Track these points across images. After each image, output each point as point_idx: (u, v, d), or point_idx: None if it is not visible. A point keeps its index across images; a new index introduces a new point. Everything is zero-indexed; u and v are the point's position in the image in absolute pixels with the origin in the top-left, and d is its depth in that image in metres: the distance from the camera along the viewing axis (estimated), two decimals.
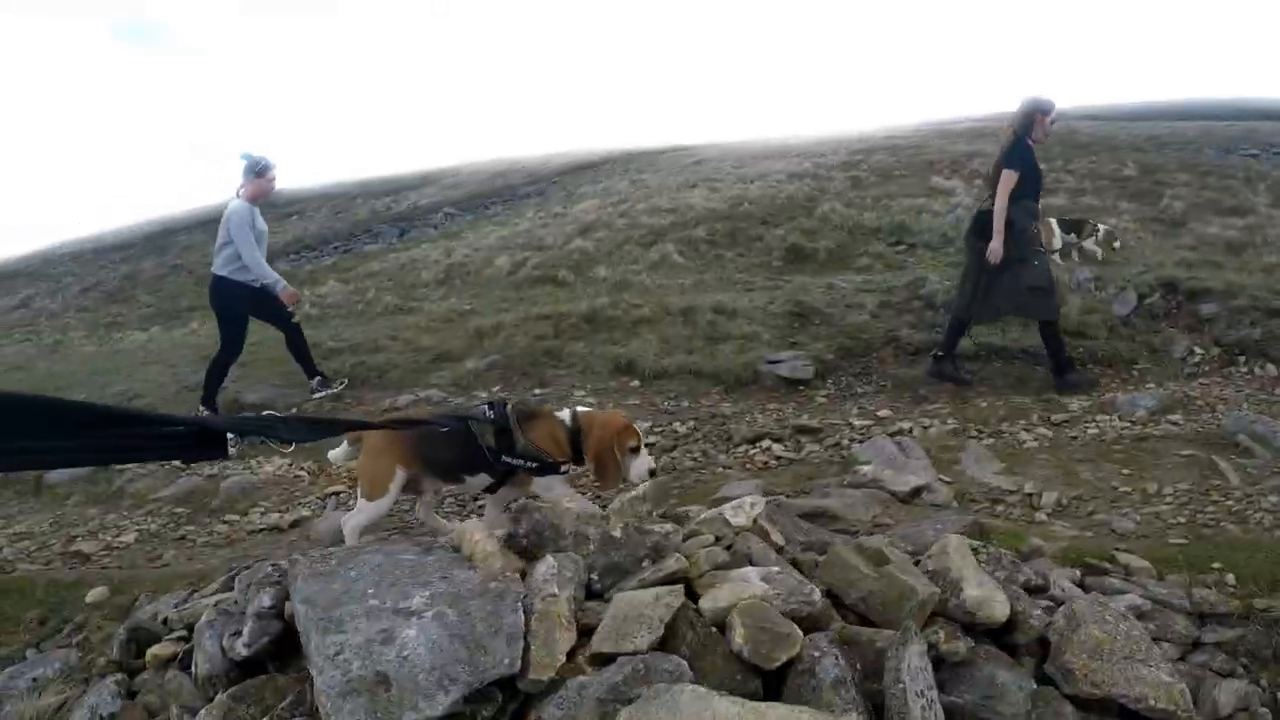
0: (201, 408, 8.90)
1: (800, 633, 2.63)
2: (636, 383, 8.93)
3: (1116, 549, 4.05)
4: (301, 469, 7.39)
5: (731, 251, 14.13)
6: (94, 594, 4.65)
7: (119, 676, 3.42)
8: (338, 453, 4.83)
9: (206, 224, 35.06)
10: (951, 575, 3.00)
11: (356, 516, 4.56)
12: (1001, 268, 7.89)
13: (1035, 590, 3.35)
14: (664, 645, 2.61)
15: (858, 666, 2.62)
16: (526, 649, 2.61)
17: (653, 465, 4.45)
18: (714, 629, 2.69)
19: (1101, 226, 12.51)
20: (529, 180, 31.62)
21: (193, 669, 3.20)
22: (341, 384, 9.41)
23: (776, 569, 2.99)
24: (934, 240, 13.79)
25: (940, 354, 8.49)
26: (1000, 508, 5.02)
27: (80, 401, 1.62)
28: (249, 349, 12.32)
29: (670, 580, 2.90)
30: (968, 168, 19.68)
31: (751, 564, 3.09)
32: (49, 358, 14.67)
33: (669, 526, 3.24)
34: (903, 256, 13.38)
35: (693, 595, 2.87)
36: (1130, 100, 39.53)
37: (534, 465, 4.33)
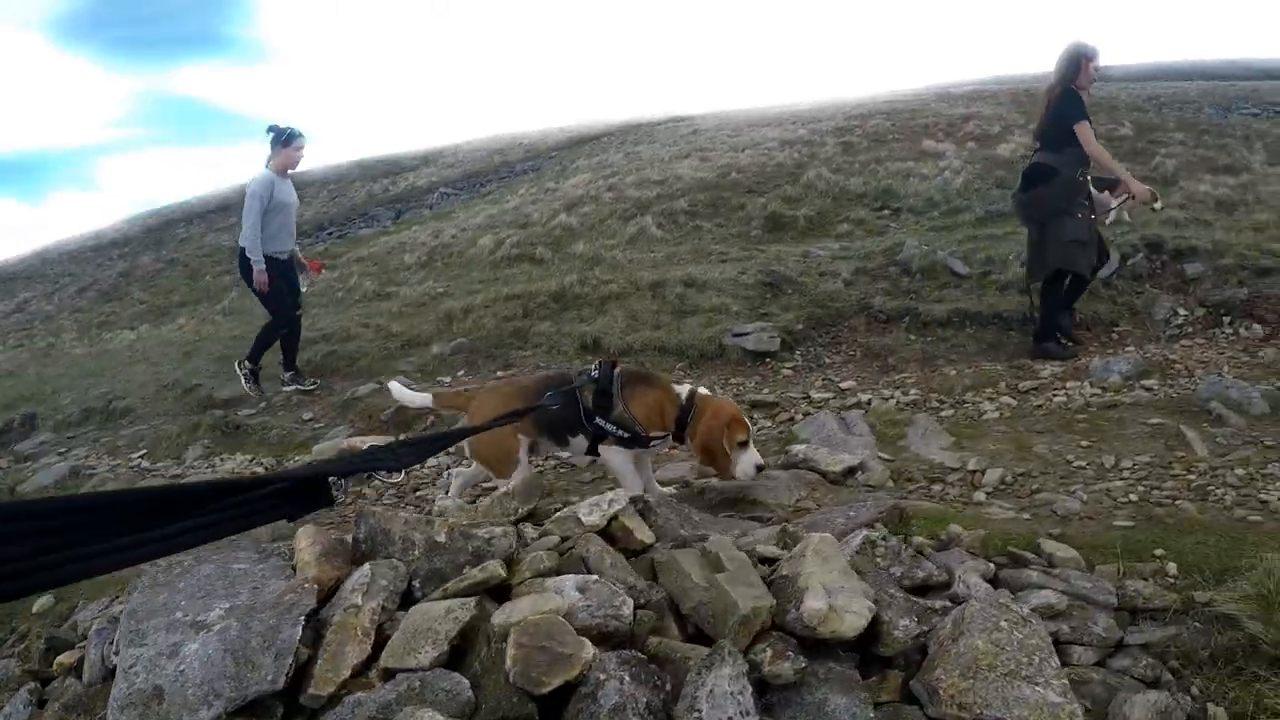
0: (247, 363, 9.20)
1: (589, 653, 2.39)
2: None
3: (1050, 534, 3.71)
4: (260, 465, 7.32)
5: (711, 222, 13.79)
6: (40, 603, 4.55)
7: (32, 685, 3.36)
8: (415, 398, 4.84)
9: (206, 214, 35.09)
10: (799, 583, 2.69)
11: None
12: (1048, 220, 7.62)
13: (935, 588, 3.05)
14: (459, 661, 2.47)
15: (666, 688, 2.36)
16: (311, 663, 2.51)
17: (760, 461, 4.30)
18: (505, 645, 2.46)
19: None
20: (527, 156, 31.43)
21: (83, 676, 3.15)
22: (314, 385, 9.24)
23: (595, 578, 2.76)
24: (919, 204, 13.43)
25: (1037, 332, 8.03)
26: (938, 487, 4.69)
27: (168, 487, 1.42)
28: (226, 342, 12.30)
29: (476, 589, 2.74)
30: (962, 130, 19.30)
31: (587, 569, 2.90)
32: (40, 362, 14.63)
33: (498, 530, 3.06)
34: (885, 221, 13.03)
35: None
36: (1134, 62, 39.18)
37: (624, 434, 4.26)
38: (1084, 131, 7.46)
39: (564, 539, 3.15)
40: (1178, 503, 4.25)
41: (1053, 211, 7.55)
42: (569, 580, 2.73)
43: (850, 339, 8.70)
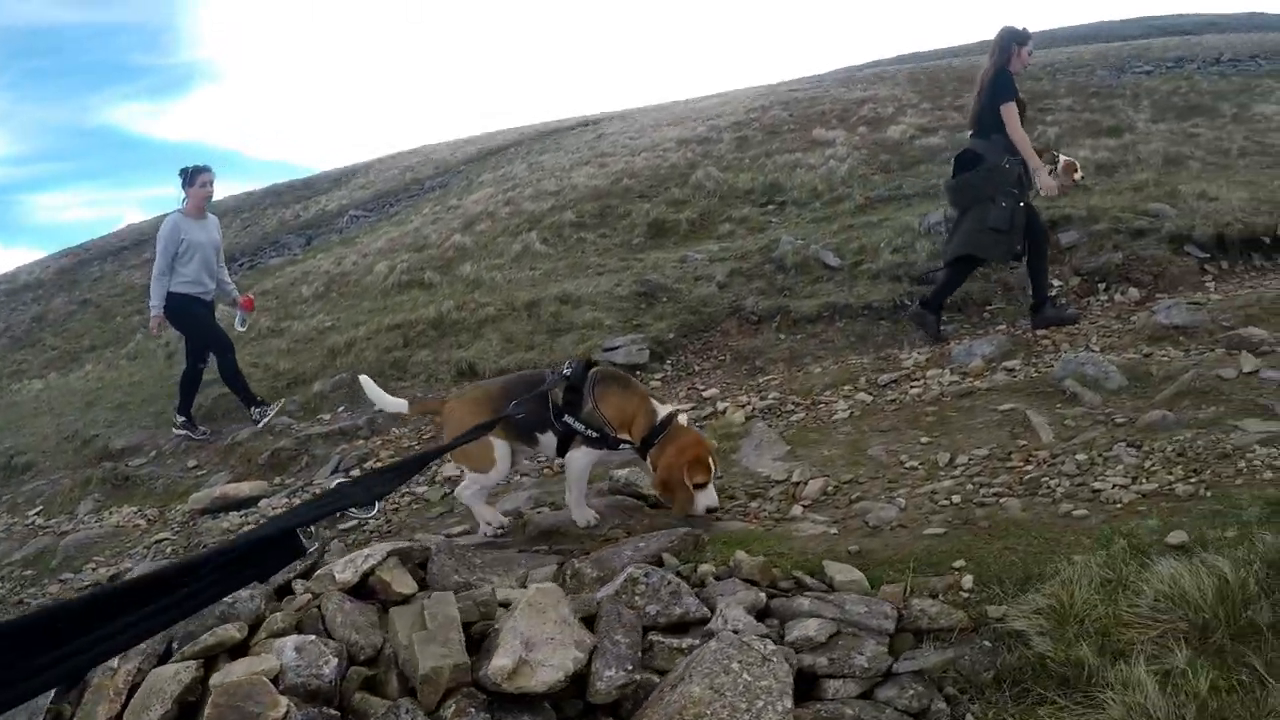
0: (254, 411, 8.96)
1: (281, 711, 2.54)
2: None
3: (849, 550, 3.62)
4: (144, 517, 7.27)
5: (595, 233, 13.60)
6: None
7: None
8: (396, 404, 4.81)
9: (120, 251, 34.41)
10: (500, 637, 2.78)
11: (469, 488, 4.54)
12: (971, 206, 7.54)
13: (695, 624, 2.99)
14: (193, 718, 2.65)
15: None
16: None
17: (712, 503, 4.16)
18: None
19: (1062, 157, 11.46)
20: (437, 172, 31.03)
21: None
22: (204, 434, 9.11)
23: (311, 638, 2.87)
24: (803, 196, 13.30)
25: (1036, 303, 7.81)
26: (756, 503, 4.57)
27: (126, 584, 1.39)
28: (127, 389, 12.14)
29: (210, 652, 2.90)
30: (856, 115, 19.20)
31: (324, 626, 3.02)
32: None
33: (244, 594, 3.14)
34: (769, 217, 12.89)
35: None
36: (1036, 29, 39.41)
37: (593, 435, 4.17)
38: (1008, 113, 7.43)
39: (316, 595, 3.21)
40: (1002, 501, 4.15)
41: (976, 198, 7.49)
42: (290, 641, 2.84)
43: (721, 343, 8.61)
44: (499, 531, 4.56)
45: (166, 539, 6.43)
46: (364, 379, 4.84)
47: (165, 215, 8.73)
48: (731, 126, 20.52)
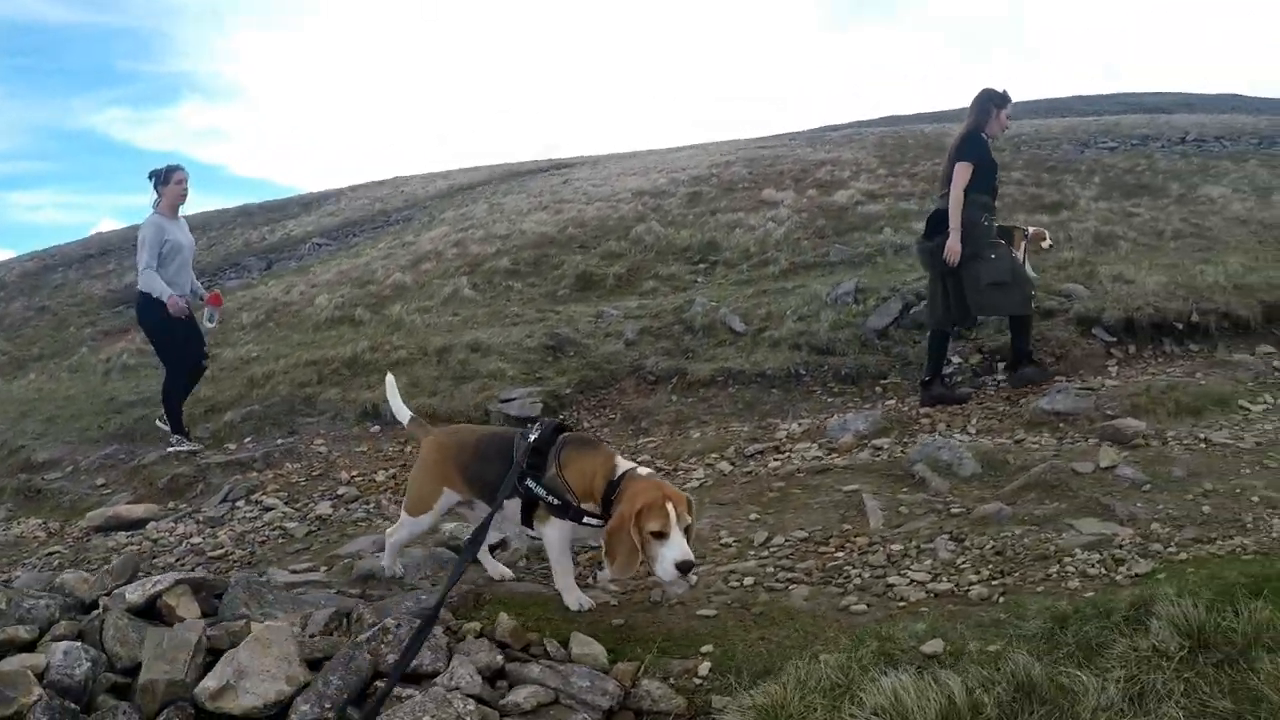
0: (173, 437, 8.85)
1: (32, 698, 2.99)
2: (377, 428, 8.69)
3: (614, 623, 3.76)
4: (46, 529, 7.46)
5: (524, 282, 13.80)
6: None
7: None
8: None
9: (85, 259, 34.33)
10: (219, 663, 3.19)
11: (398, 533, 4.44)
12: (959, 268, 7.44)
13: (425, 677, 3.18)
14: None
15: None
16: None
17: (683, 558, 3.50)
18: None
19: (1030, 229, 11.31)
20: (406, 205, 31.12)
21: None
22: (197, 440, 9.13)
23: (79, 644, 3.33)
24: (735, 257, 13.55)
25: (927, 379, 7.79)
26: None
27: None
28: (60, 402, 12.23)
29: (3, 646, 3.37)
30: (812, 177, 19.42)
31: (100, 637, 3.44)
32: None
33: (41, 602, 3.65)
34: (696, 277, 13.14)
35: None
36: (1019, 99, 39.93)
37: (554, 502, 3.85)
38: (959, 172, 7.35)
39: (105, 610, 3.64)
40: (791, 588, 4.16)
41: (965, 257, 7.40)
42: (62, 645, 3.29)
43: (616, 402, 8.74)
44: (393, 575, 4.52)
45: (59, 552, 6.58)
46: (390, 379, 4.85)
47: (138, 225, 8.67)
48: (690, 181, 20.71)
